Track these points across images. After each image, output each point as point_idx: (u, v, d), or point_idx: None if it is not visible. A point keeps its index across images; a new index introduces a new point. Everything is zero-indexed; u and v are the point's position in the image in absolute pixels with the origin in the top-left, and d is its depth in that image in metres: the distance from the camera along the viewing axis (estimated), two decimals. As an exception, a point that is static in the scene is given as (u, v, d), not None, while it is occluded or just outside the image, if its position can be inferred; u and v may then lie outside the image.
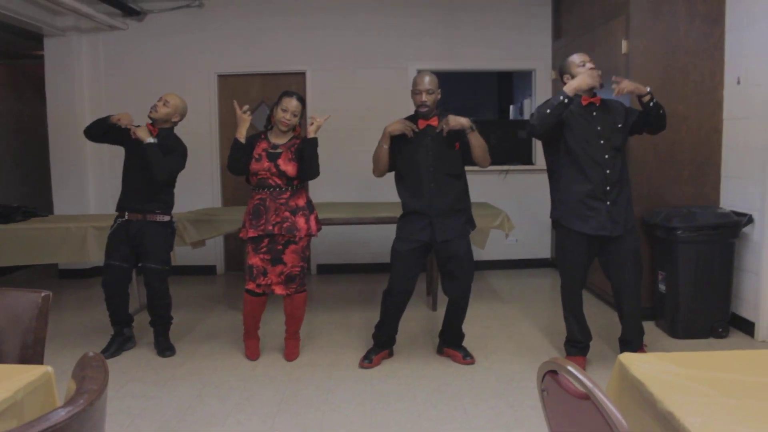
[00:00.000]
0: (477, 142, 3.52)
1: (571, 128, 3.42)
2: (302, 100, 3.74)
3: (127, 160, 4.03)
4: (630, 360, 1.63)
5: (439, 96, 3.59)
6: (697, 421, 1.27)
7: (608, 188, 3.40)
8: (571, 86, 3.30)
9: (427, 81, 3.53)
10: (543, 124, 3.35)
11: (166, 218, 4.05)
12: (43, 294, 1.90)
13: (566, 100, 3.28)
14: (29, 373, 1.61)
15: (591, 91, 3.44)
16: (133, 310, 4.40)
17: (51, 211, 6.27)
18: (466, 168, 3.70)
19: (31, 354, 1.87)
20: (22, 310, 1.89)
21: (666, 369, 1.56)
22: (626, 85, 3.28)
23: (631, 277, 3.52)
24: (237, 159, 3.70)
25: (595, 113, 3.43)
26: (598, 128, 3.39)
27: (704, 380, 1.49)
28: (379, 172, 3.70)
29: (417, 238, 3.61)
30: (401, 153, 3.62)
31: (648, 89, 3.31)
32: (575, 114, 3.42)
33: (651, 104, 3.32)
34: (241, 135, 3.69)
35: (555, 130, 3.43)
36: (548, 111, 3.32)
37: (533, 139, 6.51)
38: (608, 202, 3.40)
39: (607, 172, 3.40)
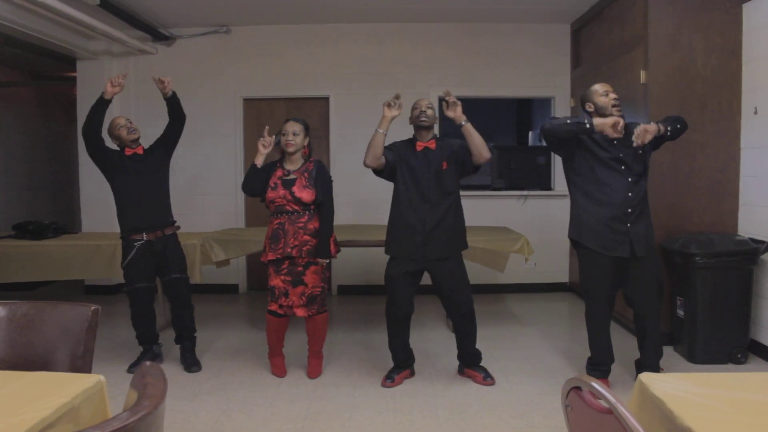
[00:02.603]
0: (470, 135, 3.60)
1: (594, 154, 3.53)
2: (302, 122, 3.89)
3: (125, 185, 4.07)
4: (650, 379, 1.72)
5: (437, 120, 3.76)
6: (714, 436, 1.35)
7: (629, 210, 3.50)
8: (599, 123, 3.39)
9: (427, 101, 3.78)
10: (555, 131, 3.49)
11: (176, 228, 4.24)
12: (93, 308, 2.03)
13: (588, 126, 3.40)
14: (84, 380, 1.72)
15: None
16: (158, 327, 4.51)
17: (79, 229, 6.46)
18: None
19: (81, 364, 1.98)
20: (73, 322, 2.02)
21: (684, 388, 1.64)
22: (647, 137, 3.36)
23: (653, 301, 3.62)
24: (251, 181, 3.85)
25: (615, 142, 3.53)
26: (620, 155, 3.50)
27: (721, 399, 1.57)
28: (371, 159, 3.64)
29: (410, 258, 3.69)
30: (400, 170, 3.72)
31: (657, 126, 3.40)
32: (599, 142, 3.52)
33: (668, 134, 3.47)
34: (258, 162, 3.83)
35: (566, 147, 3.58)
36: (567, 122, 3.46)
37: (552, 164, 6.61)
38: (629, 224, 3.50)
39: (629, 195, 3.50)
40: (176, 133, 4.22)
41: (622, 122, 3.37)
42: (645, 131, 3.34)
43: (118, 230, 6.25)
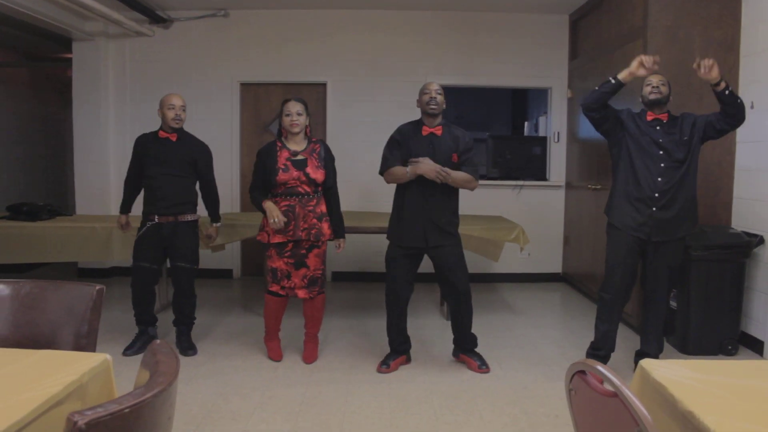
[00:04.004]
0: (454, 183, 3.68)
1: (633, 138, 3.62)
2: (302, 101, 3.87)
3: (151, 168, 4.09)
4: (651, 365, 1.75)
5: (444, 105, 3.73)
6: (714, 420, 1.38)
7: (657, 195, 3.56)
8: (625, 74, 3.50)
9: (436, 85, 3.73)
10: (592, 101, 3.58)
11: (195, 217, 4.21)
12: (97, 287, 2.03)
13: (613, 81, 3.51)
14: (91, 359, 1.73)
15: (659, 109, 3.63)
16: (156, 309, 4.52)
17: (73, 211, 6.43)
18: (482, 183, 3.82)
19: (85, 343, 1.99)
20: (77, 302, 2.02)
21: (685, 374, 1.68)
22: (713, 69, 3.35)
23: (661, 290, 3.69)
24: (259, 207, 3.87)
25: (659, 127, 3.60)
26: (660, 140, 3.57)
27: (721, 385, 1.61)
28: (389, 183, 3.83)
29: (409, 244, 3.75)
30: (406, 161, 3.73)
31: (720, 76, 3.39)
32: (640, 127, 3.61)
33: (727, 92, 3.42)
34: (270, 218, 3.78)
35: (609, 125, 3.67)
36: (596, 88, 3.58)
37: (547, 155, 6.63)
38: (654, 208, 3.57)
39: (659, 179, 3.56)
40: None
41: (647, 58, 3.43)
42: (713, 64, 3.36)
43: (113, 213, 6.30)
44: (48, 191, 7.95)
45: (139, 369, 1.47)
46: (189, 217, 4.16)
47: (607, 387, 1.41)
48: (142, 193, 4.22)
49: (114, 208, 6.40)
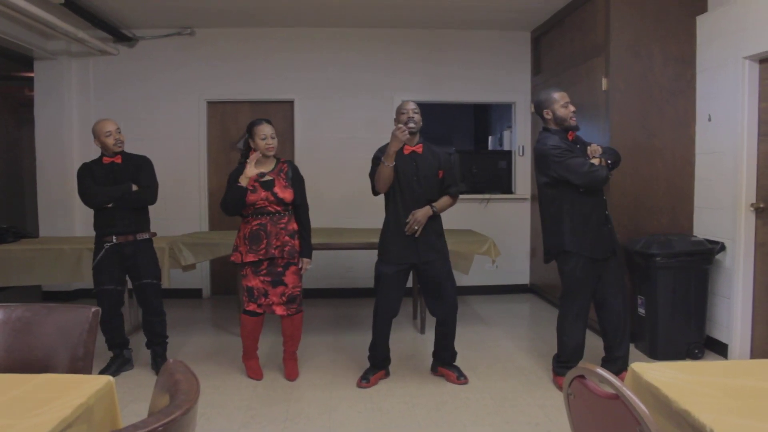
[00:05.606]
0: (441, 210, 3.82)
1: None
2: (271, 123, 3.92)
3: (98, 191, 4.00)
4: (642, 368, 1.84)
5: (421, 123, 3.81)
6: (710, 417, 1.47)
7: (606, 213, 3.72)
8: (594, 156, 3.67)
9: (413, 104, 3.79)
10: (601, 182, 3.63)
11: (151, 234, 4.19)
12: (93, 309, 2.03)
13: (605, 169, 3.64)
14: (94, 382, 1.73)
15: (575, 128, 3.75)
16: (126, 331, 4.45)
17: (37, 233, 6.29)
18: None
19: (81, 366, 1.98)
20: (72, 325, 2.02)
21: (676, 375, 1.77)
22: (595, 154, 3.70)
23: (624, 299, 3.81)
24: (236, 202, 3.80)
25: (579, 146, 3.75)
26: (591, 160, 3.68)
27: (711, 384, 1.70)
28: (382, 188, 3.78)
29: (402, 260, 3.79)
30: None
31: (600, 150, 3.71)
32: (576, 151, 3.68)
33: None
34: (245, 182, 3.78)
35: None
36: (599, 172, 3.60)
37: (513, 169, 6.78)
38: (609, 226, 3.73)
39: (603, 198, 3.73)
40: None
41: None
42: (594, 150, 3.69)
43: (79, 235, 6.18)
44: (5, 213, 7.73)
45: (154, 391, 1.48)
46: (146, 235, 4.13)
47: (608, 389, 1.49)
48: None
49: (79, 230, 6.28)
